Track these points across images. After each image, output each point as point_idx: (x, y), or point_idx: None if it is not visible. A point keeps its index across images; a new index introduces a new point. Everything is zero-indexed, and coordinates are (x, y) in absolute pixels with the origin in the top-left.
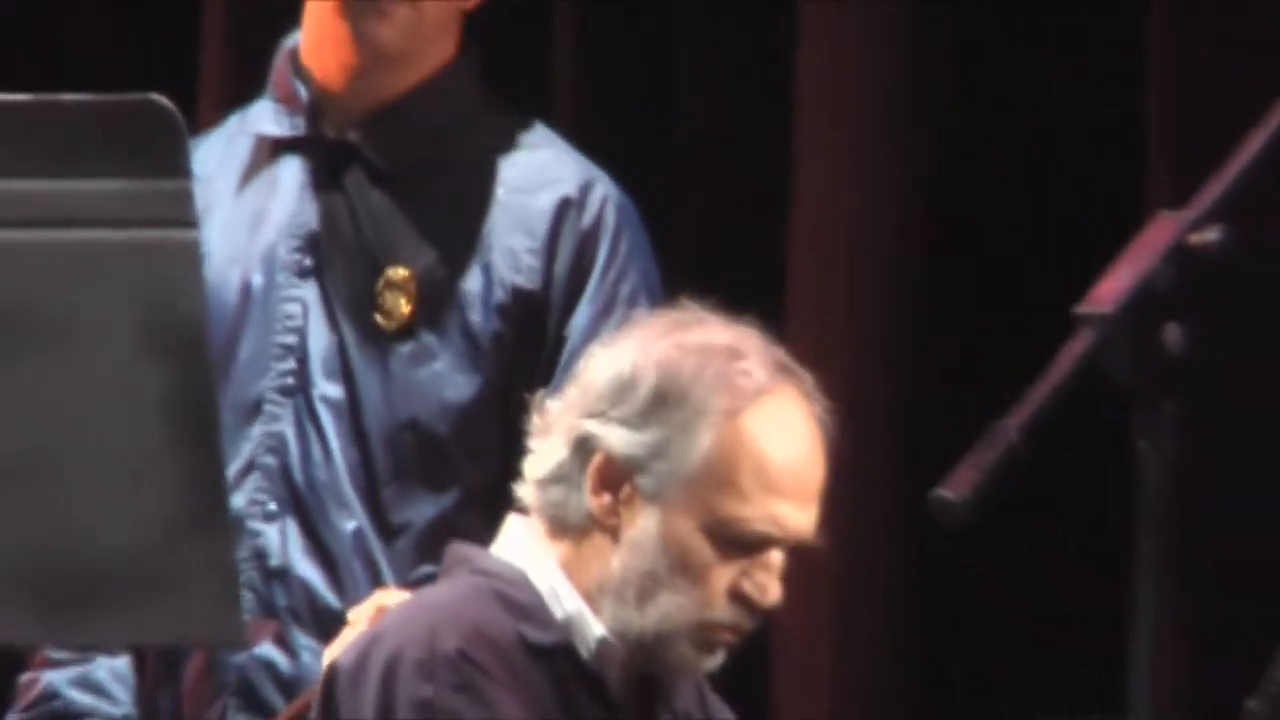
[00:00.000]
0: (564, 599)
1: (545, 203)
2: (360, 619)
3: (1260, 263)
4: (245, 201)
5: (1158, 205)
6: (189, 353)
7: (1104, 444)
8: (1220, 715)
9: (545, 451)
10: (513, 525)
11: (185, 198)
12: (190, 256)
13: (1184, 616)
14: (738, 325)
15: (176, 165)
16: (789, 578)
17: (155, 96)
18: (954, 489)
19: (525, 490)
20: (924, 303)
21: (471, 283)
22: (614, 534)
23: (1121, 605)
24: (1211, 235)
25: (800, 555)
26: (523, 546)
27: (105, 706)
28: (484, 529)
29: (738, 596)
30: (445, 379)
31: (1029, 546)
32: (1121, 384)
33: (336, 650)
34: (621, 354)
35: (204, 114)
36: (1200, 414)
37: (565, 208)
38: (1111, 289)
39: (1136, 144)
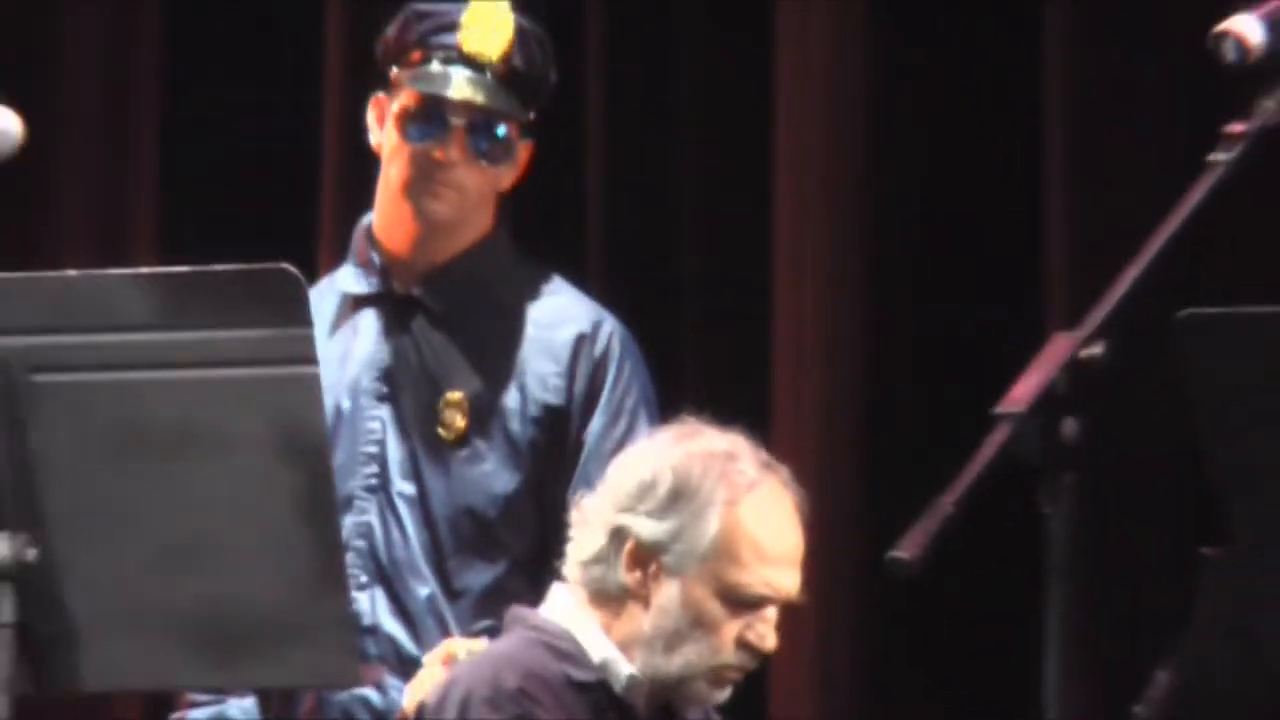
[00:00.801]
0: (600, 647)
1: (565, 337)
2: (433, 661)
3: (1131, 371)
4: (335, 343)
5: (1056, 326)
6: (314, 458)
7: (1019, 509)
8: (1113, 716)
9: (585, 539)
10: (557, 593)
11: (308, 342)
12: (313, 386)
13: (1083, 638)
14: (729, 433)
15: (301, 318)
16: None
17: (285, 266)
18: (905, 550)
19: (569, 569)
20: (874, 406)
21: (511, 401)
22: (645, 602)
23: (1036, 630)
24: (1097, 350)
25: (788, 605)
26: (566, 609)
27: None
28: (527, 589)
29: (743, 644)
30: (493, 476)
31: (962, 589)
32: (1031, 464)
33: (415, 686)
34: (643, 461)
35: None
36: (1090, 484)
37: (581, 341)
38: (1022, 392)
39: (1039, 272)
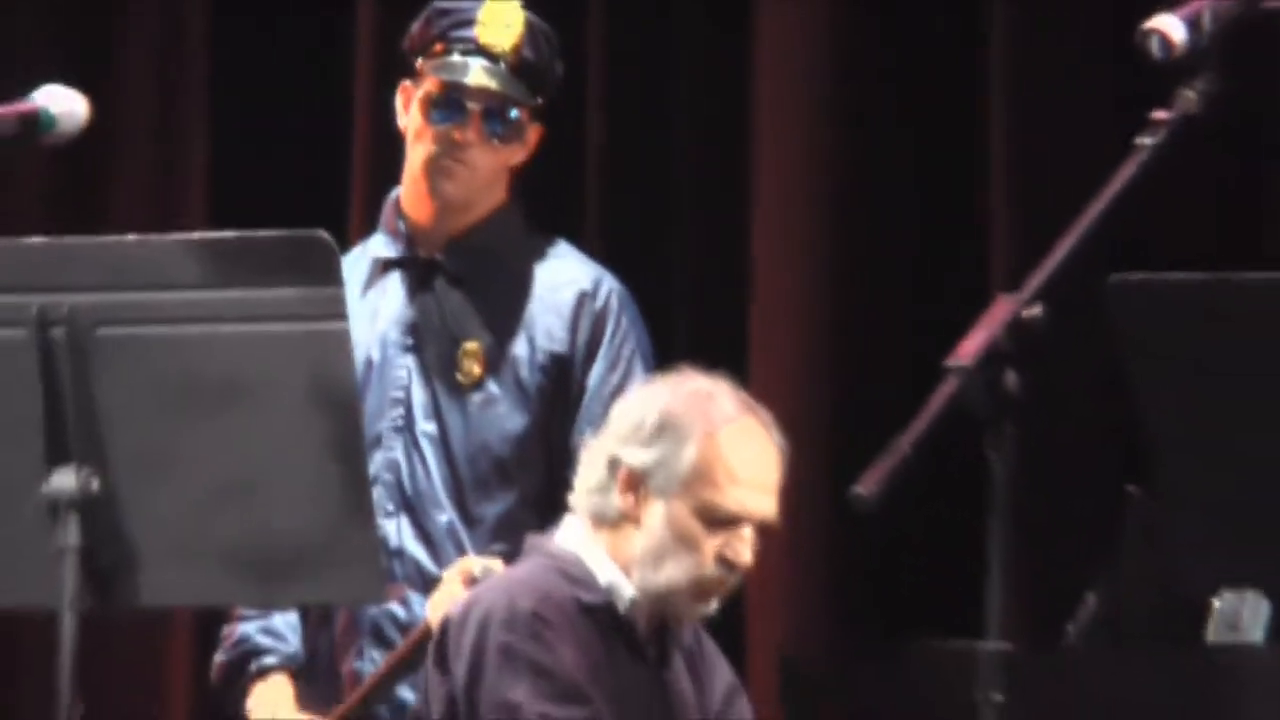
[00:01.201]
0: (606, 571)
1: (569, 294)
2: (452, 578)
3: (1066, 329)
4: (366, 302)
5: (999, 289)
6: (344, 403)
7: (965, 453)
8: (1047, 637)
9: (589, 472)
10: (568, 522)
11: (340, 301)
12: (343, 340)
13: (1020, 567)
14: (717, 379)
15: (333, 279)
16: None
17: (320, 233)
18: (865, 486)
19: (577, 499)
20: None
21: (521, 350)
22: (636, 523)
23: (979, 561)
24: (1036, 311)
25: (763, 530)
26: (576, 536)
27: (281, 646)
28: (535, 518)
29: (721, 560)
30: (506, 417)
31: (915, 522)
32: (976, 413)
33: (436, 600)
34: (637, 401)
35: (352, 243)
36: (1028, 432)
37: (583, 297)
38: (968, 348)
39: (983, 240)
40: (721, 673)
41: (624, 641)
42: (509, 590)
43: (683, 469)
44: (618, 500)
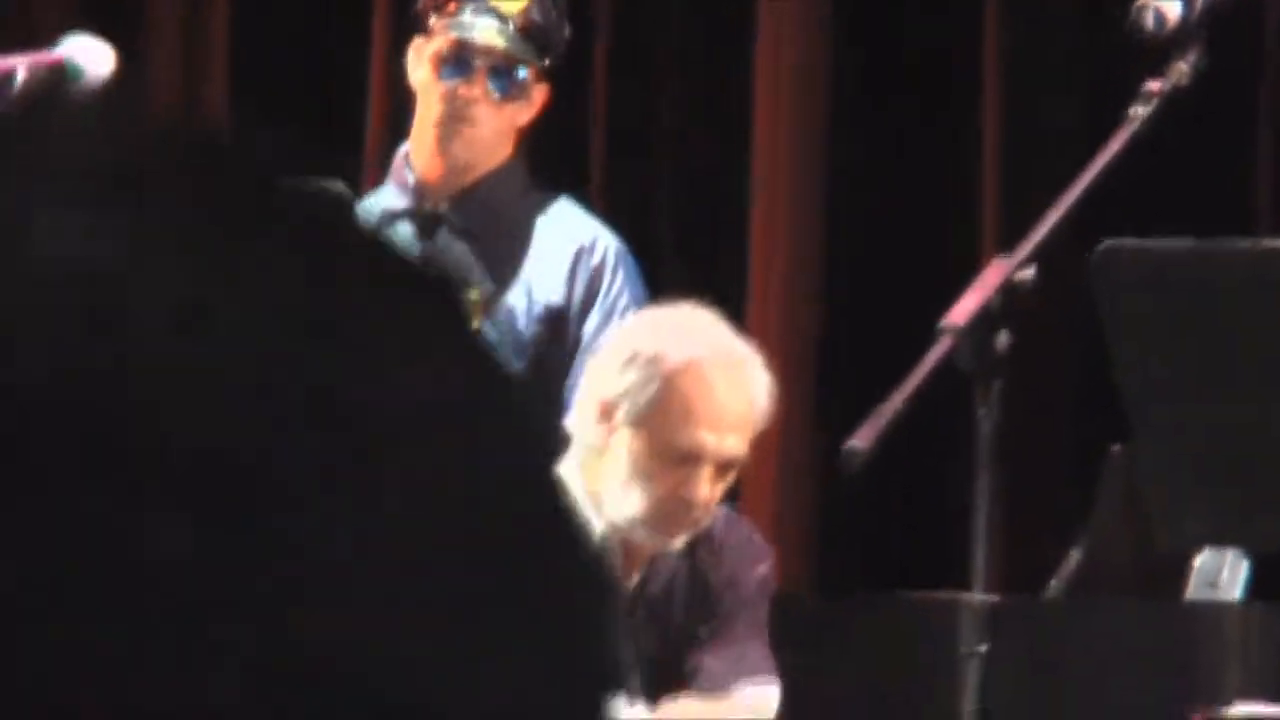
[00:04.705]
0: (579, 503)
1: (568, 249)
2: None
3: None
4: None
5: (992, 251)
6: None
7: (956, 409)
8: (1030, 591)
9: (578, 407)
10: (570, 452)
11: None
12: None
13: (1006, 517)
14: (699, 313)
15: None
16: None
17: (336, 183)
18: (858, 441)
19: (571, 425)
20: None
21: (518, 301)
22: (609, 451)
23: (965, 511)
24: (1027, 274)
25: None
26: (565, 466)
27: None
28: None
29: (676, 496)
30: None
31: (906, 474)
32: (967, 371)
33: None
34: (618, 333)
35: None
36: (1015, 390)
37: (580, 252)
38: (961, 310)
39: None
40: (734, 573)
41: None
42: None
43: (645, 401)
44: (594, 429)
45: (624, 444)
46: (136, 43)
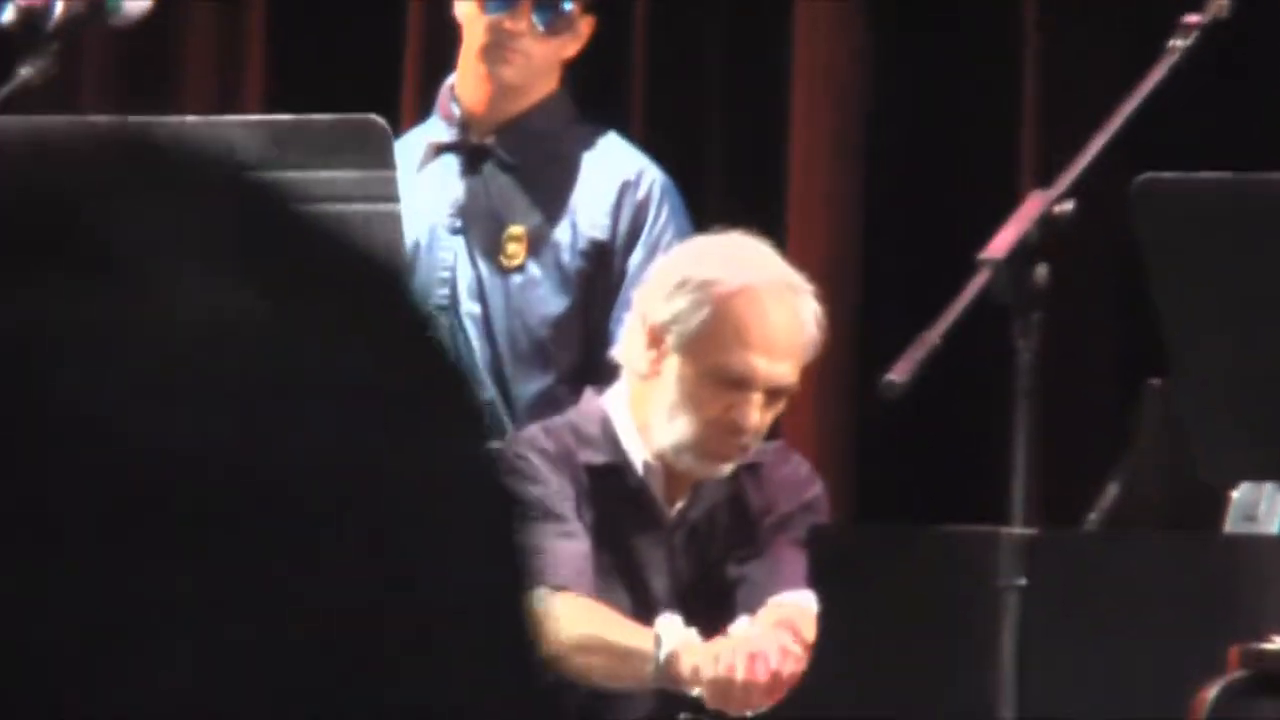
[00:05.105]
0: (627, 432)
1: (613, 182)
2: None
3: (1095, 227)
4: (418, 184)
5: (1030, 184)
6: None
7: (994, 340)
8: (1068, 521)
9: (628, 329)
10: (617, 381)
11: (392, 183)
12: (395, 220)
13: (1044, 450)
14: (749, 240)
15: (386, 162)
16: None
17: (374, 116)
18: (896, 374)
19: (619, 352)
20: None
21: (563, 235)
22: (658, 377)
23: (1005, 441)
24: (1066, 206)
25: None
26: (612, 395)
27: None
28: (572, 398)
29: (726, 421)
30: (546, 299)
31: (944, 406)
32: (1006, 303)
33: None
34: (668, 258)
35: (405, 127)
36: (1054, 323)
37: (625, 186)
38: (1001, 242)
39: (1015, 138)
40: (776, 502)
41: (635, 506)
42: (510, 441)
43: (696, 326)
44: (643, 354)
45: (673, 370)
46: None
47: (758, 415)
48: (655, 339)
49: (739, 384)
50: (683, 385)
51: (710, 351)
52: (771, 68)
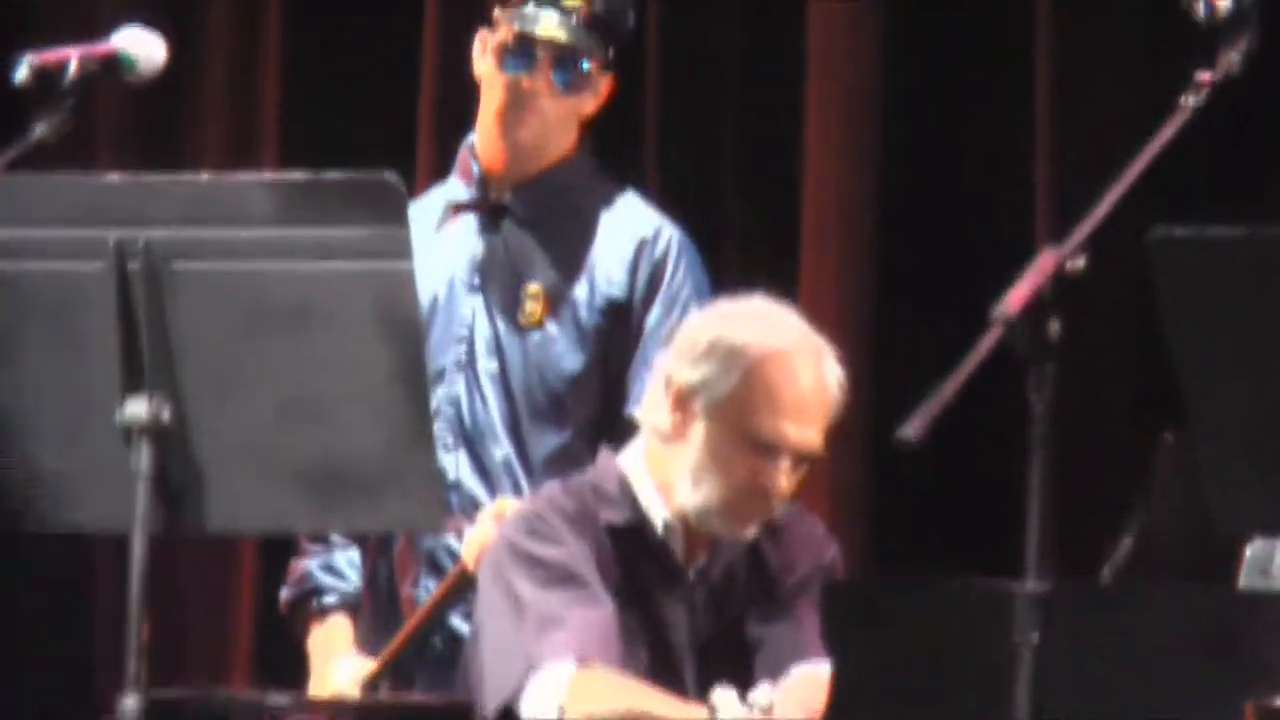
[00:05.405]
0: (645, 491)
1: (631, 240)
2: (485, 518)
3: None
4: (437, 243)
5: (1043, 241)
6: (408, 336)
7: (1008, 393)
8: (1083, 574)
9: (651, 390)
10: (635, 440)
11: (405, 240)
12: (408, 278)
13: (1058, 502)
14: (773, 304)
15: (399, 219)
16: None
17: (388, 174)
18: (911, 429)
19: (641, 413)
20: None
21: (581, 293)
22: (683, 440)
23: (1019, 494)
24: (1079, 263)
25: (806, 460)
26: (631, 455)
27: (341, 585)
28: (589, 455)
29: (755, 486)
30: (564, 356)
31: (959, 457)
32: (1020, 357)
33: (471, 540)
34: (695, 321)
35: (420, 185)
36: (1069, 376)
37: (643, 244)
38: (1015, 298)
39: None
40: (796, 561)
41: (655, 565)
42: (532, 503)
43: (726, 391)
44: (667, 417)
45: (701, 434)
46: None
47: (785, 480)
48: (682, 402)
49: (769, 450)
50: (711, 449)
51: (741, 417)
52: (784, 124)
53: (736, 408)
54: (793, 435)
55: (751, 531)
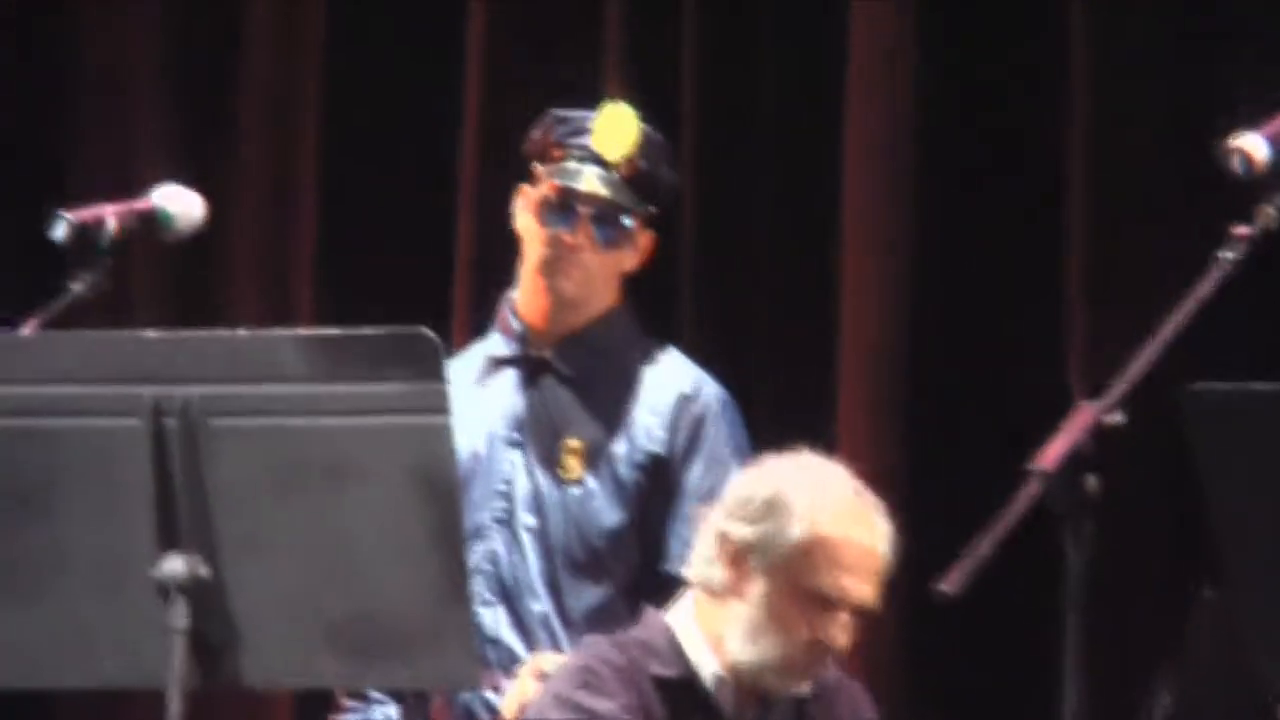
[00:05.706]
0: (696, 646)
1: (670, 396)
2: (525, 674)
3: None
4: (477, 398)
5: (1080, 395)
6: (445, 492)
7: (1044, 549)
8: None
9: (702, 545)
10: (685, 595)
11: (443, 395)
12: (446, 433)
13: (1095, 657)
14: (821, 459)
15: (437, 374)
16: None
17: (424, 330)
18: (948, 585)
19: (691, 570)
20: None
21: (620, 449)
22: (738, 597)
23: (1056, 652)
24: (1116, 418)
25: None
26: (681, 609)
27: None
28: (628, 610)
29: (814, 642)
30: (603, 512)
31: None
32: (1057, 513)
33: (510, 696)
34: (750, 478)
35: (456, 339)
36: (1105, 531)
37: (683, 400)
38: (1052, 453)
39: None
40: (842, 717)
41: (703, 715)
42: (581, 657)
43: (785, 548)
44: (722, 574)
45: (759, 590)
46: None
47: (843, 635)
48: (738, 559)
49: (828, 605)
50: (769, 605)
51: (801, 573)
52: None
53: (796, 564)
54: (853, 590)
55: (806, 686)
